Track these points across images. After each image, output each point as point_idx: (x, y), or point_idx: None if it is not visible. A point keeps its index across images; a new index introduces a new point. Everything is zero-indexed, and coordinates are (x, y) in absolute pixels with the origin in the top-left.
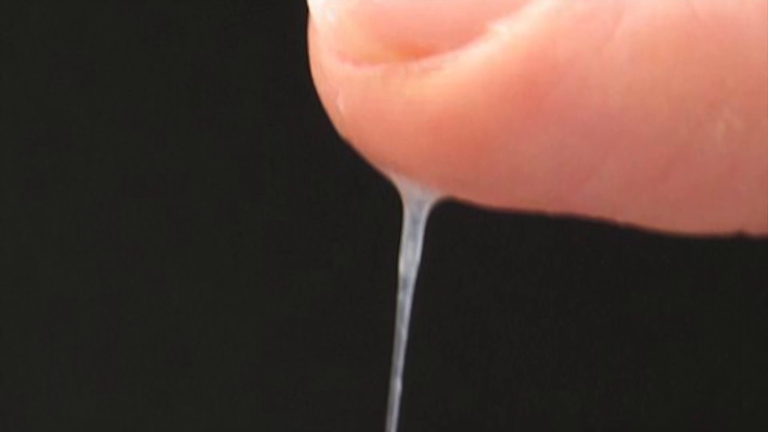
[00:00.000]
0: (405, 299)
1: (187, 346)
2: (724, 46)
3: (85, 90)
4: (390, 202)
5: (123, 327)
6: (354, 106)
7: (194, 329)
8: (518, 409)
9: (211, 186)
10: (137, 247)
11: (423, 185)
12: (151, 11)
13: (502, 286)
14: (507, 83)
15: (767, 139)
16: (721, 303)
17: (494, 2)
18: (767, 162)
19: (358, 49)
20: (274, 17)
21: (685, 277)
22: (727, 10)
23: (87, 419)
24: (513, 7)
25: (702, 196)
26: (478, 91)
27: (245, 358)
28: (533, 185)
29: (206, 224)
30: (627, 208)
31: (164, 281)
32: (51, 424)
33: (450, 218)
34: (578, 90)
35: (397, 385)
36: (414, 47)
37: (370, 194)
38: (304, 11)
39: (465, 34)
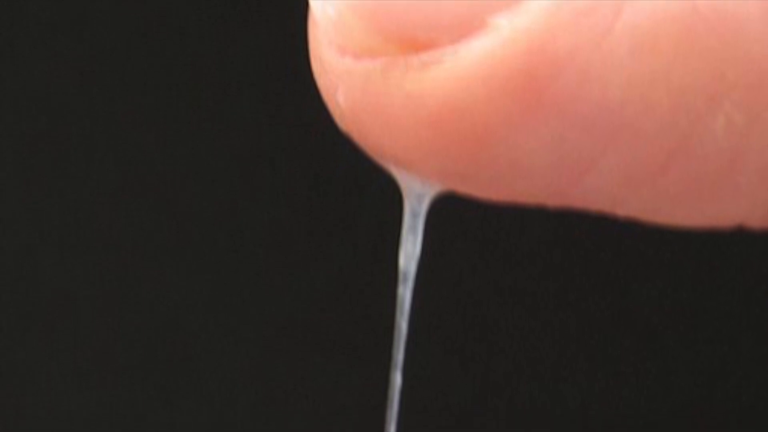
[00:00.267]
0: (405, 293)
1: (187, 341)
2: (725, 40)
3: (85, 86)
4: (390, 195)
5: (123, 323)
6: (354, 99)
7: (193, 324)
8: (518, 402)
9: (210, 181)
10: (137, 243)
11: (423, 179)
12: (150, 6)
13: (502, 279)
14: (507, 77)
15: (767, 133)
16: (722, 297)
17: None
18: (767, 155)
19: (358, 43)
20: (274, 11)
21: (685, 271)
22: (727, 3)
23: (86, 414)
24: (513, 1)
25: (702, 190)
26: (478, 84)
27: (245, 352)
28: (533, 179)
29: (206, 219)
30: (627, 201)
31: (163, 276)
32: (50, 419)
33: (450, 212)
34: (578, 83)
35: (397, 378)
36: (414, 41)
37: (370, 188)
38: (304, 5)
39: (465, 27)
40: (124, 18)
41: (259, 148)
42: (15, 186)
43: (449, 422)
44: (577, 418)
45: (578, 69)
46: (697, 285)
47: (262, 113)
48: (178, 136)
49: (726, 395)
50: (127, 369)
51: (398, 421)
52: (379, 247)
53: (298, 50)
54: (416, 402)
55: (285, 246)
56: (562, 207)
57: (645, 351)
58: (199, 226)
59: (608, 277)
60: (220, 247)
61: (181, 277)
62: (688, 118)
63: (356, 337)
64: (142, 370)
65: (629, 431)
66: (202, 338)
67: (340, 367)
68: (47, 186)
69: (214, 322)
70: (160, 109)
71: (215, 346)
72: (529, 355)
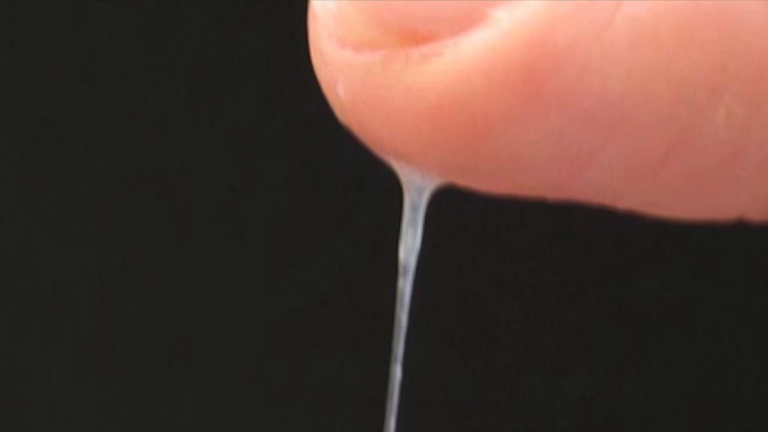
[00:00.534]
0: (405, 286)
1: (187, 335)
2: (725, 32)
3: (83, 80)
4: (390, 188)
5: (123, 318)
6: (354, 92)
7: (193, 317)
8: (518, 395)
9: (210, 175)
10: (137, 238)
11: (423, 172)
12: None
13: (502, 272)
14: (507, 70)
15: None
16: (722, 290)
17: None
18: None
19: (358, 35)
20: (274, 3)
21: (686, 264)
22: None
23: (86, 409)
24: None
25: (702, 183)
26: (478, 77)
27: (245, 346)
28: (533, 172)
29: (205, 213)
30: (627, 194)
31: (163, 271)
32: (50, 415)
33: (450, 205)
34: (578, 76)
35: (397, 371)
36: (414, 33)
37: (370, 181)
38: None
39: (465, 20)
40: (124, 10)
41: (259, 142)
42: (14, 181)
43: (449, 415)
44: (577, 411)
45: (578, 62)
46: (698, 278)
47: (262, 106)
48: (178, 131)
49: (727, 388)
50: (127, 364)
51: (398, 414)
52: (379, 240)
53: (297, 43)
54: (416, 395)
55: (285, 239)
56: (563, 200)
57: (645, 344)
58: (199, 220)
59: (609, 270)
60: (219, 241)
61: (181, 271)
62: (688, 111)
63: (356, 330)
64: (142, 364)
65: (630, 425)
66: (202, 331)
67: (340, 360)
68: (46, 180)
69: (214, 316)
70: (159, 104)
71: (215, 340)
72: (529, 348)
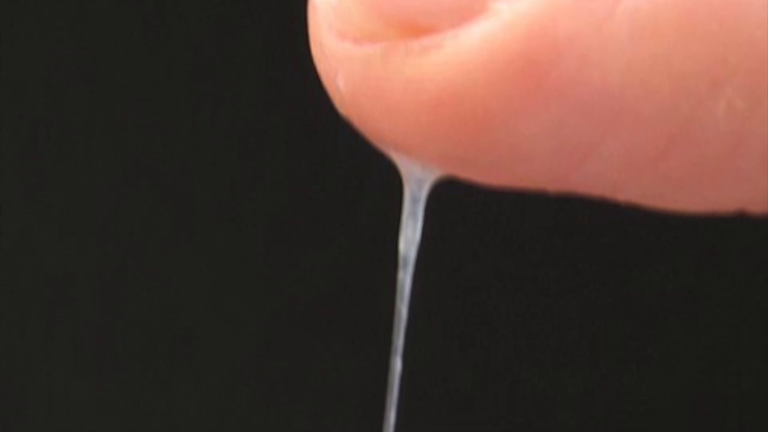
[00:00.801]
0: (405, 278)
1: (187, 327)
2: (726, 24)
3: (83, 73)
4: (390, 180)
5: (122, 311)
6: (354, 84)
7: (194, 308)
8: (519, 388)
9: (210, 167)
10: (137, 232)
11: (423, 164)
12: None
13: (502, 265)
14: (507, 61)
15: None
16: (723, 282)
17: None
18: None
19: (358, 28)
20: None
21: (687, 256)
22: None
23: (86, 402)
24: None
25: (703, 175)
26: (478, 69)
27: (245, 339)
28: (533, 164)
29: (205, 205)
30: (628, 186)
31: (163, 264)
32: (49, 409)
33: (450, 197)
34: (578, 68)
35: (397, 364)
36: (414, 25)
37: (370, 173)
38: None
39: (465, 12)
40: (125, 2)
41: (259, 135)
42: (14, 175)
43: (449, 408)
44: (577, 404)
45: (578, 54)
46: (699, 271)
47: (262, 99)
48: (177, 124)
49: (728, 382)
50: (127, 356)
51: (398, 406)
52: (380, 232)
53: (297, 35)
54: (416, 387)
55: (285, 232)
56: (563, 192)
57: (646, 337)
58: (199, 212)
59: (609, 262)
60: (220, 234)
61: (181, 264)
62: (689, 103)
63: (356, 322)
64: (142, 357)
65: (630, 418)
66: (203, 322)
67: (340, 352)
68: (46, 174)
69: (215, 309)
70: (159, 98)
71: (216, 333)
72: (529, 341)
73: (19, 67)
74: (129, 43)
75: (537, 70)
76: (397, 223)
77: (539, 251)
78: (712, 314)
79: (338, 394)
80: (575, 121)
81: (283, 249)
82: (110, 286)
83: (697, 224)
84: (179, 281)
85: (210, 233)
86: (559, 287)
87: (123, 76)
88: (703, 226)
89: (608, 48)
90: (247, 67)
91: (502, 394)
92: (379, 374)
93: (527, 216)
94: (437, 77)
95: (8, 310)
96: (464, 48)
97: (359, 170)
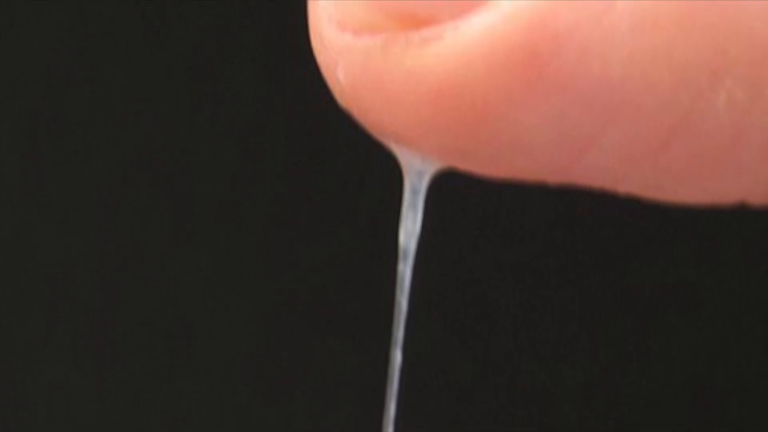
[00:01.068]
0: (405, 270)
1: (186, 319)
2: (727, 16)
3: (83, 65)
4: (390, 172)
5: (122, 302)
6: (354, 76)
7: (193, 301)
8: (519, 381)
9: (210, 158)
10: (136, 221)
11: (423, 156)
12: None
13: (502, 257)
14: (507, 53)
15: None
16: (724, 274)
17: None
18: None
19: (358, 19)
20: None
21: (687, 248)
22: None
23: (86, 395)
24: None
25: (704, 167)
26: (478, 61)
27: (245, 330)
28: (534, 155)
29: (205, 197)
30: (628, 178)
31: (163, 255)
32: (48, 403)
33: (450, 189)
34: (579, 60)
35: (397, 356)
36: (414, 17)
37: (370, 165)
38: None
39: (466, 3)
40: None
41: (258, 127)
42: (14, 166)
43: (449, 400)
44: (577, 396)
45: (579, 45)
46: (699, 263)
47: (261, 90)
48: (176, 116)
49: (728, 374)
50: (126, 344)
51: (398, 398)
52: (379, 224)
53: (298, 26)
54: (416, 379)
55: (285, 223)
56: (563, 184)
57: (646, 330)
58: (199, 204)
59: (609, 254)
60: (219, 226)
61: (181, 253)
62: (689, 95)
63: (356, 314)
64: (141, 348)
65: (630, 410)
66: (201, 314)
67: (340, 344)
68: (47, 169)
69: (214, 299)
70: (157, 90)
71: (216, 325)
72: (529, 333)
73: (19, 64)
74: (126, 31)
75: (537, 62)
76: (397, 215)
77: (539, 243)
78: (713, 306)
79: (338, 386)
80: (575, 112)
81: (283, 241)
82: (110, 281)
83: (697, 216)
84: (179, 274)
85: (209, 224)
86: (560, 279)
87: (121, 70)
88: (703, 218)
89: (609, 40)
90: (247, 59)
91: (501, 386)
92: (379, 366)
93: (527, 208)
94: (437, 69)
95: (8, 306)
96: (464, 39)
97: (359, 162)
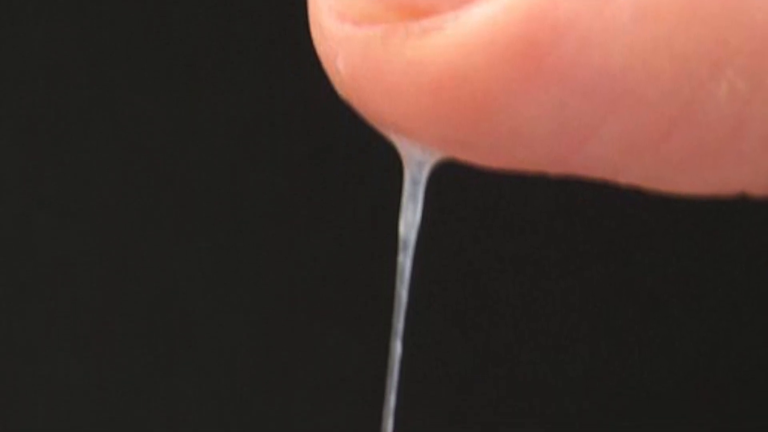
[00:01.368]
0: (405, 261)
1: (187, 309)
2: (728, 6)
3: (82, 54)
4: (390, 163)
5: (122, 296)
6: (354, 66)
7: (194, 291)
8: (519, 372)
9: (211, 147)
10: (136, 217)
11: (423, 146)
12: None
13: (502, 247)
14: (508, 43)
15: None
16: (725, 265)
17: None
18: None
19: (358, 10)
20: None
21: (688, 239)
22: None
23: (85, 387)
24: None
25: (705, 157)
26: (478, 51)
27: (245, 321)
28: (534, 146)
29: (205, 185)
30: (629, 169)
31: (162, 249)
32: (48, 399)
33: (450, 180)
34: (579, 50)
35: (397, 347)
36: (414, 7)
37: (370, 155)
38: None
39: None
40: None
41: (260, 115)
42: (14, 164)
43: (449, 391)
44: (578, 388)
45: (579, 36)
46: (700, 254)
47: (263, 79)
48: (176, 109)
49: (729, 365)
50: (127, 345)
51: (398, 389)
52: (380, 215)
53: (298, 16)
54: (416, 371)
55: (285, 214)
56: (564, 175)
57: (647, 321)
58: (199, 194)
59: (610, 246)
60: (219, 216)
61: (181, 243)
62: (690, 85)
63: (356, 305)
64: (141, 345)
65: (631, 401)
66: (202, 304)
67: (340, 335)
68: (46, 152)
69: (214, 289)
70: (158, 85)
71: (215, 317)
72: (529, 324)
73: (19, 62)
74: (126, 23)
75: (537, 52)
76: (397, 206)
77: (540, 234)
78: (714, 298)
79: (338, 377)
80: (576, 103)
81: (282, 232)
82: (110, 278)
83: (698, 207)
84: (179, 267)
85: (209, 215)
86: (560, 271)
87: (119, 64)
88: (704, 209)
89: (609, 30)
90: (246, 52)
91: (502, 378)
92: (379, 357)
93: (528, 199)
94: (437, 59)
95: (8, 303)
96: (465, 30)
97: (359, 153)
